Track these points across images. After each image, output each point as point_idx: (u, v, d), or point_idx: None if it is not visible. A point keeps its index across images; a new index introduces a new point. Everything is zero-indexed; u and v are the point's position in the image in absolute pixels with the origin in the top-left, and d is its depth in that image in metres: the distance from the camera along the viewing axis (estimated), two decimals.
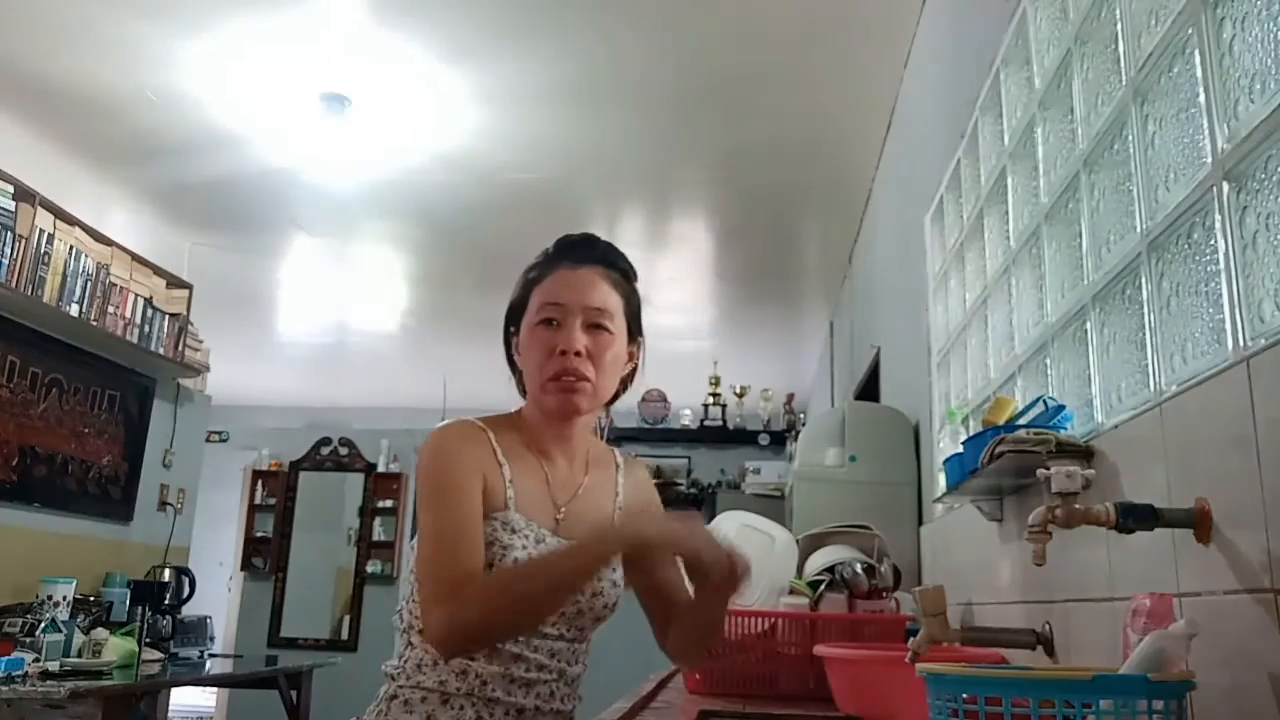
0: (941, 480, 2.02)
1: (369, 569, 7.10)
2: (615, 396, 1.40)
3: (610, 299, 1.31)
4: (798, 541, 2.18)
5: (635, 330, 1.37)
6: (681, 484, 7.28)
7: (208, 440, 5.19)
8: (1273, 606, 0.87)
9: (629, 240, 4.83)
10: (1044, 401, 1.47)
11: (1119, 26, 1.29)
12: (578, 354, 1.26)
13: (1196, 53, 1.06)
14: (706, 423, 7.24)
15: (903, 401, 3.01)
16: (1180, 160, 1.10)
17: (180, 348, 4.17)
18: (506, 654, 1.23)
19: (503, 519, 1.24)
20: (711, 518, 2.33)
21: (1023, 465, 1.37)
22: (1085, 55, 1.43)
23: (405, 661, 1.25)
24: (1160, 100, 1.16)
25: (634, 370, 1.40)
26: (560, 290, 1.30)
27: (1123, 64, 1.27)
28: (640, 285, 1.40)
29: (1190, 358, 1.07)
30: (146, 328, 3.96)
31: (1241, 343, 0.94)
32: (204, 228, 4.76)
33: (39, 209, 3.34)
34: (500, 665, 1.22)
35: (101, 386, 3.90)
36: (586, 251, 1.35)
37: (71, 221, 3.53)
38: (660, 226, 4.68)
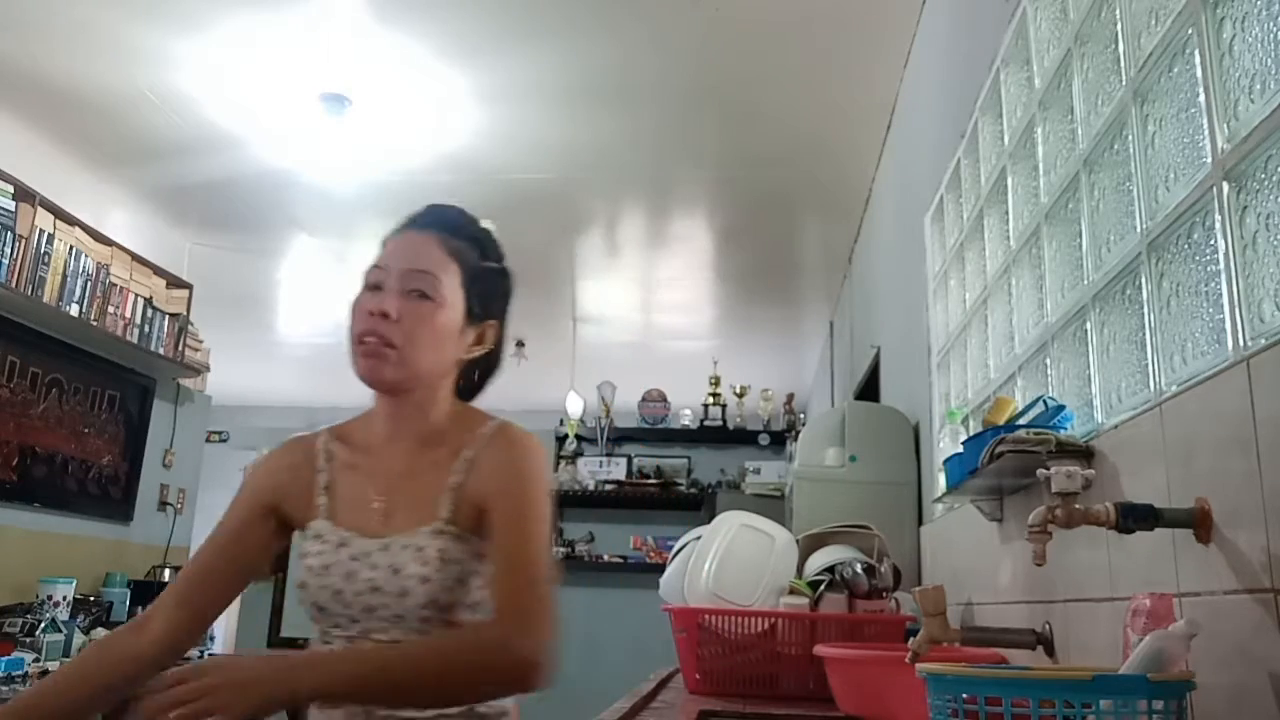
0: (941, 480, 2.01)
1: None
2: (475, 385, 1.33)
3: (440, 265, 1.21)
4: (798, 541, 2.18)
5: (486, 309, 1.27)
6: (681, 484, 7.28)
7: (208, 440, 5.19)
8: (1273, 606, 0.87)
9: (630, 240, 4.83)
10: (1044, 401, 1.47)
11: (1119, 26, 1.29)
12: (385, 316, 1.18)
13: (1196, 53, 1.06)
14: (706, 423, 7.23)
15: (903, 401, 3.00)
16: (1180, 160, 1.10)
17: (180, 348, 4.17)
18: None
19: (313, 529, 1.23)
20: (711, 518, 2.33)
21: (1023, 465, 1.37)
22: (1085, 55, 1.43)
23: None
24: (1160, 100, 1.16)
25: (490, 356, 1.31)
26: (385, 254, 1.24)
27: (1123, 64, 1.27)
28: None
29: (1190, 358, 1.07)
30: (146, 328, 3.96)
31: (1241, 343, 0.95)
32: (204, 228, 4.76)
33: (39, 209, 3.34)
34: None
35: (101, 386, 3.90)
36: (428, 216, 1.27)
37: (71, 221, 3.53)
38: (660, 226, 4.68)
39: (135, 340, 3.88)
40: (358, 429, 1.30)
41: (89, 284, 3.62)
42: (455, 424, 1.25)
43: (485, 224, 1.32)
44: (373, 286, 1.22)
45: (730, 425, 7.20)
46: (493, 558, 1.17)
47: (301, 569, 1.20)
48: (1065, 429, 1.39)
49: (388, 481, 1.23)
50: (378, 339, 1.18)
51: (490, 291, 1.28)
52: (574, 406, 6.78)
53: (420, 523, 1.18)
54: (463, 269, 1.24)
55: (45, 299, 3.39)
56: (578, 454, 7.35)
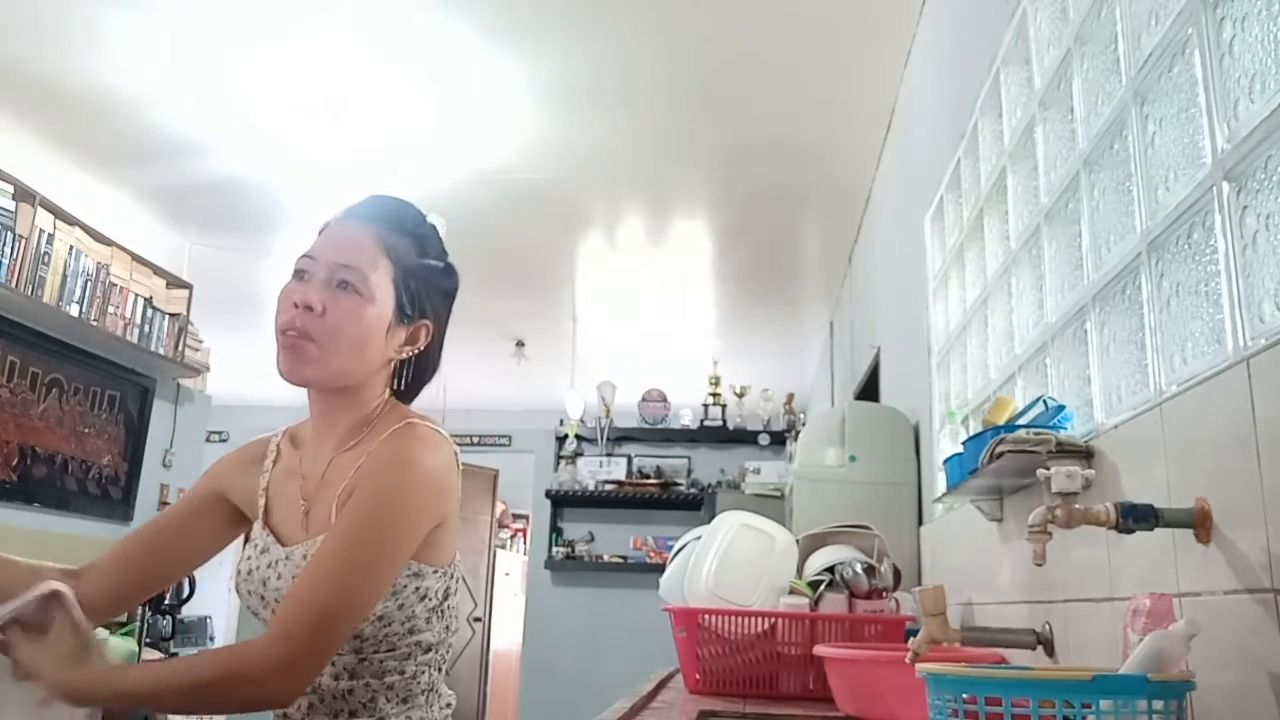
0: (941, 480, 2.02)
1: None
2: (411, 387, 1.25)
3: (369, 258, 1.15)
4: (798, 541, 2.18)
5: (419, 309, 1.20)
6: (681, 484, 7.28)
7: (208, 440, 5.18)
8: (1273, 606, 0.87)
9: (630, 240, 4.83)
10: (1044, 401, 1.47)
11: (1119, 26, 1.29)
12: (308, 309, 1.12)
13: (1196, 53, 1.06)
14: (706, 423, 7.24)
15: (903, 401, 3.00)
16: (1180, 160, 1.10)
17: (180, 348, 4.17)
18: None
19: (254, 532, 1.21)
20: (711, 518, 2.33)
21: (1023, 465, 1.37)
22: (1085, 55, 1.43)
23: None
24: (1160, 100, 1.16)
25: (424, 357, 1.23)
26: (317, 243, 1.18)
27: (1123, 64, 1.27)
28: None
29: (1190, 358, 1.07)
30: (146, 328, 3.96)
31: (1241, 343, 0.94)
32: (204, 228, 4.76)
33: (39, 209, 3.34)
34: None
35: (101, 386, 3.90)
36: (365, 207, 1.21)
37: (71, 221, 3.53)
38: (660, 226, 4.68)
39: (135, 340, 3.88)
40: (304, 428, 1.25)
41: (89, 284, 3.62)
42: (376, 426, 1.18)
43: (432, 219, 1.26)
44: (300, 275, 1.16)
45: (730, 425, 7.21)
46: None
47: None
48: (1065, 429, 1.39)
49: (312, 484, 1.18)
50: (298, 332, 1.12)
51: (425, 290, 1.21)
52: (574, 406, 6.78)
53: (322, 530, 1.13)
54: (395, 265, 1.18)
55: (45, 299, 3.39)
56: (578, 454, 7.36)
